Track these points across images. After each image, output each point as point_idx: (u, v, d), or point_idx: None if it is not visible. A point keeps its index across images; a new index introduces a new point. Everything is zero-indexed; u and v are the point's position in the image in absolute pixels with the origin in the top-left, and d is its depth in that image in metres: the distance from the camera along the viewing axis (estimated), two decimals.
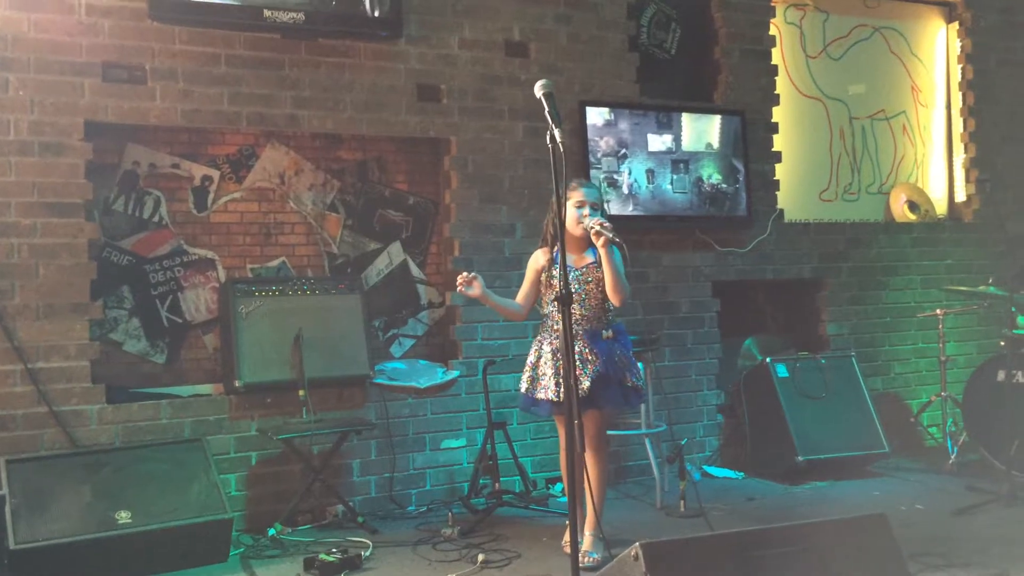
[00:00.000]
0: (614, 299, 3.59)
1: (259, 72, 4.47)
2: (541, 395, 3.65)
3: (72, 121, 4.11)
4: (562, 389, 3.54)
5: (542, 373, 3.67)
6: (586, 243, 3.68)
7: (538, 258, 3.74)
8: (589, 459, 3.66)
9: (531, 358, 3.75)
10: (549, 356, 3.66)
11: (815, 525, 2.42)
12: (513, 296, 3.89)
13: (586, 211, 3.61)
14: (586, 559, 3.59)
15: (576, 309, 3.60)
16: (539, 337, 3.77)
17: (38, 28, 4.07)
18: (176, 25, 4.29)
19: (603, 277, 3.60)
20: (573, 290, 3.58)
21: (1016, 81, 6.64)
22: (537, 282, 3.74)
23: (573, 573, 2.73)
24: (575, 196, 3.64)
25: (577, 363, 3.53)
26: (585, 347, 3.62)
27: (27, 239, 4.03)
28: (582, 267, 3.67)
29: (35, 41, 4.06)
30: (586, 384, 3.55)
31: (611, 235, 3.45)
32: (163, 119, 4.31)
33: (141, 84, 4.25)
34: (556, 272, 3.60)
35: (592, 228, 3.50)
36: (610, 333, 3.67)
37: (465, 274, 3.58)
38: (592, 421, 3.61)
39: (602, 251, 3.51)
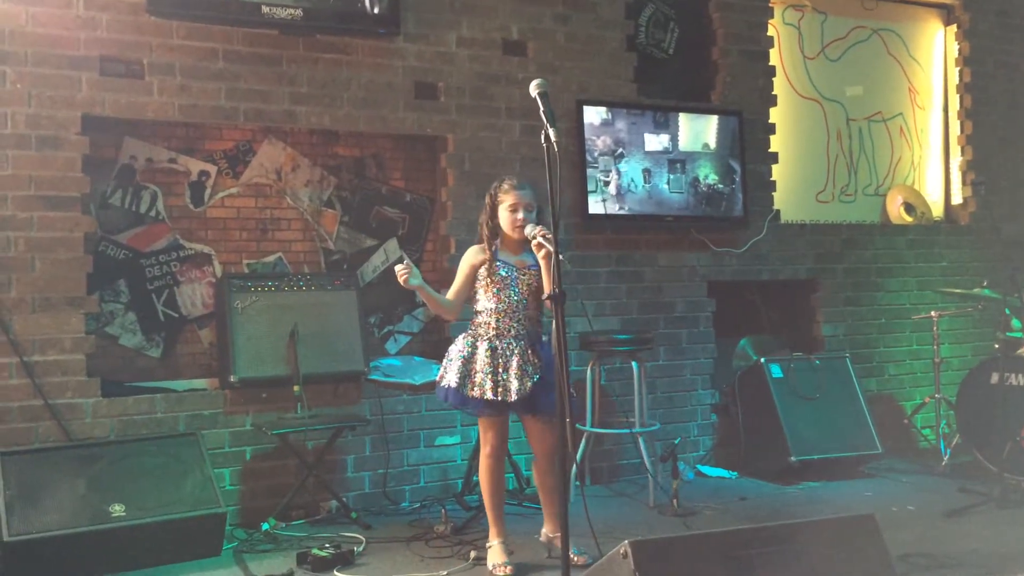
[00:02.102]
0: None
1: (257, 68, 4.48)
2: (475, 393, 3.52)
3: (69, 115, 4.12)
4: (500, 388, 3.48)
5: (476, 370, 3.54)
6: (522, 245, 3.61)
7: (474, 254, 3.63)
8: (550, 467, 3.63)
9: (462, 352, 3.58)
10: (486, 354, 3.53)
11: (803, 525, 2.43)
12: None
13: (521, 215, 3.53)
14: (576, 559, 3.60)
15: (519, 312, 3.57)
16: (470, 332, 3.63)
17: (36, 22, 4.07)
18: (174, 20, 4.29)
19: (539, 284, 3.55)
20: (519, 292, 3.57)
21: (1014, 84, 6.66)
22: (472, 279, 3.62)
23: (563, 571, 2.75)
24: (508, 199, 3.57)
25: (517, 366, 3.50)
26: (528, 350, 3.56)
27: (23, 232, 4.04)
28: (523, 269, 3.61)
29: (33, 35, 4.07)
30: (528, 386, 3.49)
31: (551, 247, 3.31)
32: (160, 114, 4.32)
33: (139, 79, 4.26)
34: (500, 270, 3.56)
35: (535, 239, 3.40)
36: (546, 338, 3.59)
37: (403, 264, 3.45)
38: (548, 430, 3.56)
39: (543, 262, 3.44)
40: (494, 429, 3.60)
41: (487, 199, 3.66)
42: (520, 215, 3.55)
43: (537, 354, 3.57)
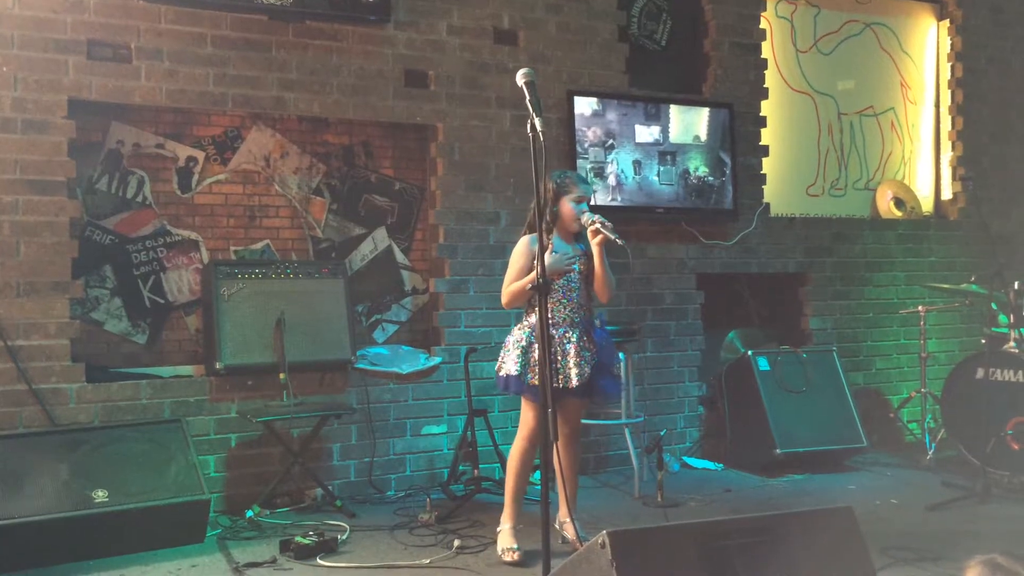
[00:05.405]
0: (603, 296, 3.65)
1: (246, 53, 4.46)
2: (536, 381, 3.50)
3: (56, 98, 4.09)
4: (560, 376, 3.54)
5: (535, 359, 3.53)
6: (572, 235, 3.71)
7: (531, 243, 3.58)
8: (573, 446, 3.73)
9: (520, 341, 3.59)
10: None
11: (781, 517, 2.43)
12: (497, 285, 3.86)
13: (584, 207, 3.65)
14: (579, 544, 3.60)
15: (573, 298, 3.64)
16: (527, 322, 3.64)
17: (23, 4, 4.04)
18: (162, 4, 4.27)
19: (591, 269, 3.63)
20: (574, 279, 3.64)
21: (1005, 80, 6.67)
22: (531, 267, 3.56)
23: (544, 563, 2.75)
24: (575, 191, 3.65)
25: (575, 352, 3.55)
26: (584, 336, 3.62)
27: (8, 216, 4.02)
28: (575, 256, 3.67)
29: (19, 17, 4.04)
30: (587, 371, 3.56)
31: (614, 236, 3.47)
32: (148, 98, 4.30)
33: (126, 63, 4.24)
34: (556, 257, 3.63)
35: (592, 225, 3.52)
36: (598, 322, 3.73)
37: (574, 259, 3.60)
38: (581, 409, 3.73)
39: (596, 248, 3.56)
40: (536, 413, 3.56)
41: (548, 188, 3.63)
42: (584, 207, 3.64)
43: (592, 339, 3.64)
